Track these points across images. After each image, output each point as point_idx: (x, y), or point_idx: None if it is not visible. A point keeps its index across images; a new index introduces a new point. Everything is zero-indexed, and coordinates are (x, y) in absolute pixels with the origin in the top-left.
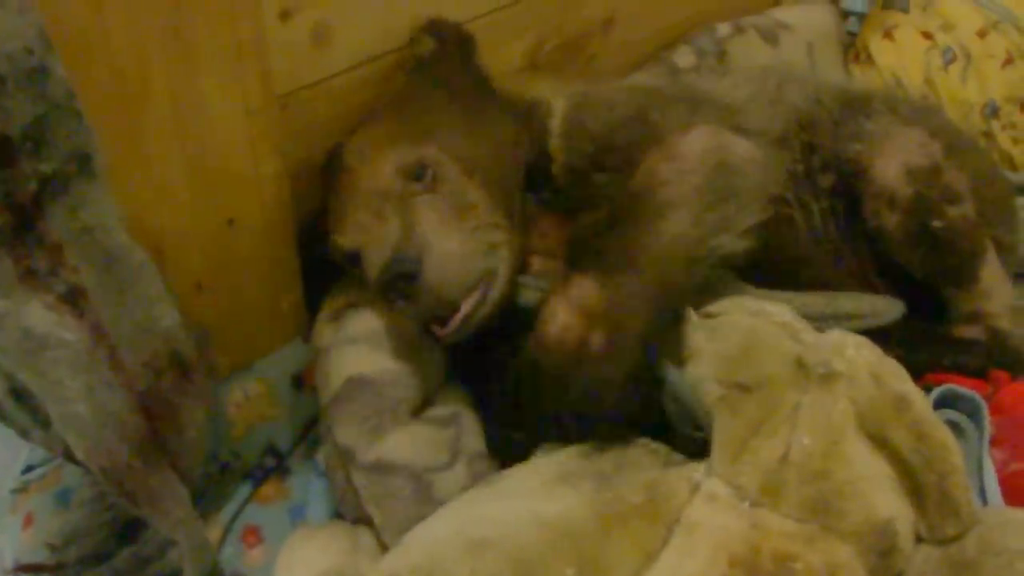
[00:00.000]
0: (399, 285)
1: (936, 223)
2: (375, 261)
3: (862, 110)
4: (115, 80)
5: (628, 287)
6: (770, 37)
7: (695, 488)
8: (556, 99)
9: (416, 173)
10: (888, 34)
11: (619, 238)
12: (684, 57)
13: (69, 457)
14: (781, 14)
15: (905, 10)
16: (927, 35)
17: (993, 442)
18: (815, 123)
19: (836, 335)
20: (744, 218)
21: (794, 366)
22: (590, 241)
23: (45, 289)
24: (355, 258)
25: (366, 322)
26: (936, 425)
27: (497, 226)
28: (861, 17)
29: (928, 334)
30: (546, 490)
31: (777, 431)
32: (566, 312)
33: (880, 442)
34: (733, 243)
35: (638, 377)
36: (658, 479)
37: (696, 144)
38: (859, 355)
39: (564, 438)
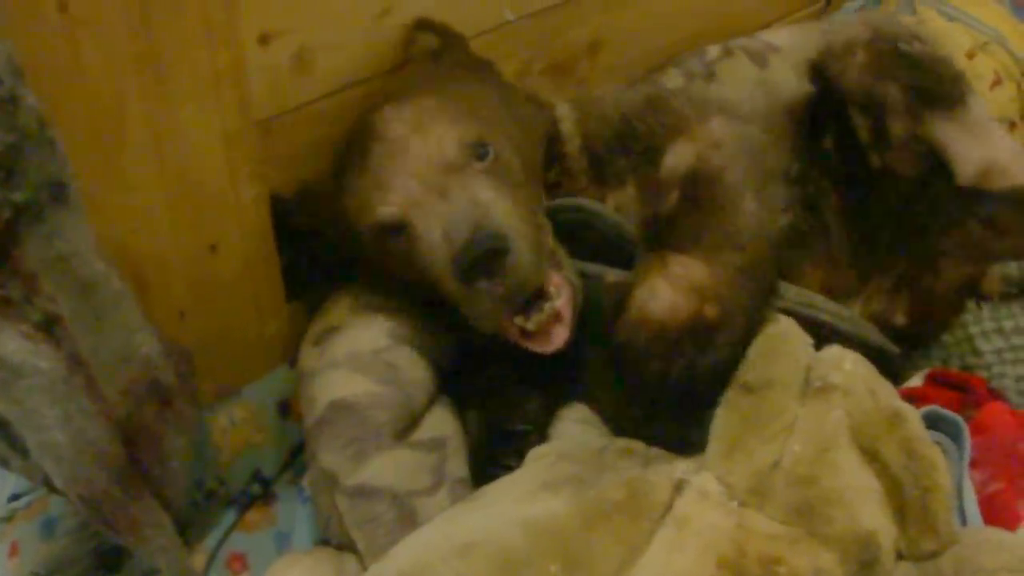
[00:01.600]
0: (485, 263)
1: (904, 46)
2: (438, 236)
3: None
4: (91, 108)
5: (734, 264)
6: (759, 59)
7: (677, 484)
8: (554, 97)
9: (479, 151)
10: None
11: (710, 218)
12: (673, 80)
13: (49, 486)
14: (771, 36)
15: None
16: None
17: (973, 463)
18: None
19: (835, 349)
20: (781, 194)
21: (804, 376)
22: (674, 223)
23: (20, 318)
24: (396, 229)
25: (348, 345)
26: (927, 444)
27: (540, 217)
28: None
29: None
30: (529, 496)
31: (775, 438)
32: (670, 290)
33: (871, 455)
34: (781, 219)
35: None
36: (639, 476)
37: (728, 130)
38: (857, 370)
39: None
